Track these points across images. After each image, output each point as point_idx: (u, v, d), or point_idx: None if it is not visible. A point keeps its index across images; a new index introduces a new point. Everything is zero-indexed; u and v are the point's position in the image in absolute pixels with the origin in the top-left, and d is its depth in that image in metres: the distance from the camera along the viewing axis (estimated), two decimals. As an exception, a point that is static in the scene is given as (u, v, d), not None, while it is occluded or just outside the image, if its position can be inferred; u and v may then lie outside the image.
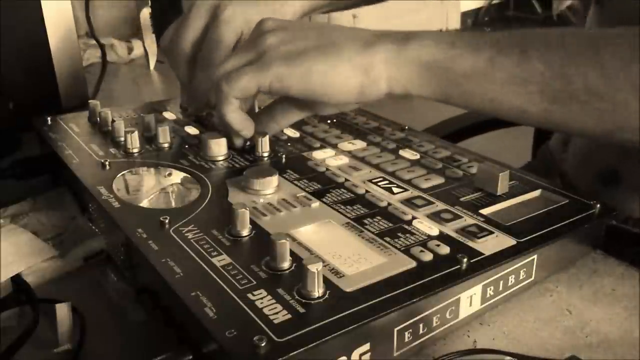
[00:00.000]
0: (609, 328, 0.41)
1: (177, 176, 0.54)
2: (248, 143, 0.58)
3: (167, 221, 0.44)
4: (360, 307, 0.35)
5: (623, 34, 0.43)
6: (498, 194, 0.50)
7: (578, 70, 0.42)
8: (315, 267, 0.35)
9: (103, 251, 0.49)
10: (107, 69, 0.96)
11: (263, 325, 0.33)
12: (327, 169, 0.54)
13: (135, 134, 0.58)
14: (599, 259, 0.49)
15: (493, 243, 0.43)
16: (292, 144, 0.61)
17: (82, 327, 0.41)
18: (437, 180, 0.52)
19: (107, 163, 0.54)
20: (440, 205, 0.48)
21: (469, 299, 0.40)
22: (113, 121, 0.62)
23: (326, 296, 0.36)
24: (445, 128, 0.96)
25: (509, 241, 0.43)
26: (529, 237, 0.43)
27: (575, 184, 0.72)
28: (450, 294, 0.39)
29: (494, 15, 4.83)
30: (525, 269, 0.43)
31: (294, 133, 0.64)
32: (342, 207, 0.47)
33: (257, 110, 0.66)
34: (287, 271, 0.38)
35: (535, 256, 0.44)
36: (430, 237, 0.43)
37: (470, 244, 0.42)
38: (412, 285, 0.37)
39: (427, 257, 0.40)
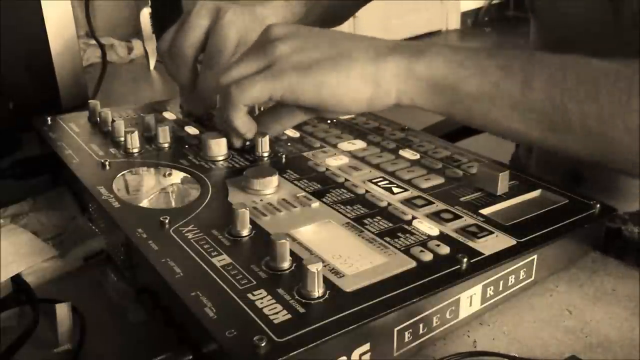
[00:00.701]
0: (609, 328, 0.41)
1: (177, 176, 0.54)
2: (248, 143, 0.58)
3: (167, 221, 0.44)
4: (360, 307, 0.35)
5: (622, 72, 0.44)
6: (498, 194, 0.50)
7: (576, 107, 0.44)
8: (315, 267, 0.35)
9: (103, 251, 0.49)
10: (107, 69, 0.96)
11: (263, 325, 0.33)
12: (327, 169, 0.54)
13: (135, 134, 0.58)
14: (599, 259, 0.49)
15: (493, 243, 0.43)
16: (292, 144, 0.61)
17: (82, 327, 0.41)
18: (437, 180, 0.52)
19: (107, 163, 0.54)
20: (440, 205, 0.48)
21: (469, 299, 0.40)
22: (113, 121, 0.62)
23: (326, 296, 0.36)
24: (445, 128, 0.96)
25: (509, 241, 0.43)
26: (529, 237, 0.43)
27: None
28: (450, 294, 0.39)
29: (494, 15, 4.83)
30: (525, 269, 0.43)
31: (294, 133, 0.64)
32: (342, 207, 0.47)
33: (257, 111, 0.66)
34: (287, 271, 0.38)
35: (535, 256, 0.44)
36: (430, 237, 0.43)
37: (470, 244, 0.42)
38: (412, 285, 0.37)
39: (427, 257, 0.40)
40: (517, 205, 0.49)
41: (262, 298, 0.35)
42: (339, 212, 0.47)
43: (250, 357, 0.31)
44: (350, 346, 0.34)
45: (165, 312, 0.39)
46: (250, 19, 0.67)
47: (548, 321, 0.42)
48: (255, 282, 0.37)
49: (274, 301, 0.35)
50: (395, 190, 0.50)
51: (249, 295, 0.36)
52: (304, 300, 0.35)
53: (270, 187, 0.50)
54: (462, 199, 0.49)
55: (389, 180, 0.52)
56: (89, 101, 0.68)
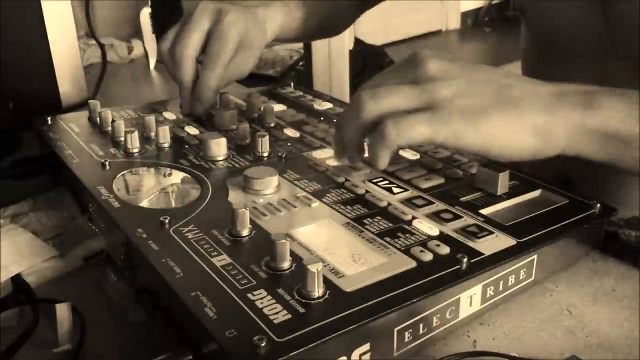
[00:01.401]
0: (609, 328, 0.41)
1: (177, 176, 0.54)
2: None
3: (167, 221, 0.44)
4: (360, 307, 0.35)
5: None
6: (498, 194, 0.50)
7: None
8: (315, 267, 0.35)
9: (103, 251, 0.49)
10: (107, 69, 0.96)
11: (263, 325, 0.33)
12: (327, 169, 0.54)
13: (135, 134, 0.58)
14: (599, 259, 0.49)
15: (493, 243, 0.43)
16: (292, 144, 0.61)
17: (82, 327, 0.41)
18: (437, 180, 0.52)
19: (107, 163, 0.54)
20: (440, 205, 0.48)
21: (469, 299, 0.40)
22: (113, 121, 0.62)
23: (326, 296, 0.36)
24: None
25: (509, 241, 0.43)
26: (529, 237, 0.43)
27: None
28: (450, 294, 0.39)
29: (494, 15, 4.83)
30: (525, 269, 0.43)
31: (294, 133, 0.64)
32: (342, 207, 0.47)
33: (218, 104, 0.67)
34: (287, 271, 0.38)
35: (535, 256, 0.44)
36: (430, 237, 0.43)
37: (470, 244, 0.42)
38: (412, 285, 0.37)
39: (427, 257, 0.40)
40: (517, 205, 0.49)
41: (262, 298, 0.35)
42: (339, 212, 0.47)
43: (250, 357, 0.31)
44: (350, 346, 0.34)
45: (165, 312, 0.39)
46: (251, 21, 0.67)
47: (548, 321, 0.42)
48: (255, 282, 0.37)
49: (274, 301, 0.35)
50: (395, 190, 0.50)
51: (249, 295, 0.36)
52: (304, 300, 0.35)
53: (270, 187, 0.50)
54: (462, 199, 0.49)
55: (389, 180, 0.52)
56: (89, 101, 0.68)
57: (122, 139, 0.59)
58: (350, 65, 1.93)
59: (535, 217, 0.47)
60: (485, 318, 0.42)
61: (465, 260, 0.39)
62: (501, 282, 0.42)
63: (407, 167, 0.55)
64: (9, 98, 0.75)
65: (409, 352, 0.38)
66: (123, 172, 0.53)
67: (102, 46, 0.98)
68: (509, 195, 0.50)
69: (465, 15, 4.81)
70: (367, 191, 0.50)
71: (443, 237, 0.43)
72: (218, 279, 0.37)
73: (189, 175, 0.53)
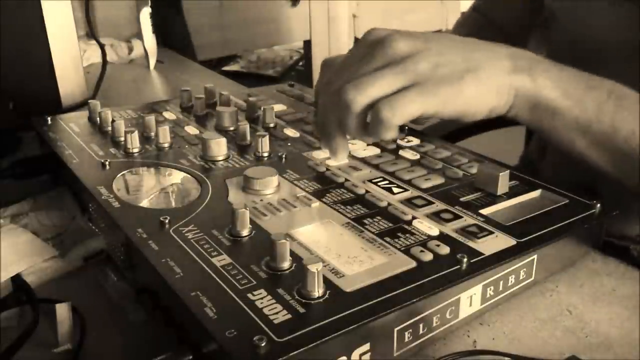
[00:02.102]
0: (609, 328, 0.41)
1: (177, 176, 0.54)
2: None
3: (167, 221, 0.44)
4: (360, 307, 0.35)
5: None
6: (498, 194, 0.50)
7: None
8: (315, 267, 0.35)
9: (103, 251, 0.49)
10: (107, 69, 0.96)
11: (263, 325, 0.33)
12: (327, 169, 0.54)
13: (135, 134, 0.58)
14: (599, 259, 0.49)
15: (493, 243, 0.43)
16: (292, 144, 0.61)
17: (82, 327, 0.41)
18: (437, 180, 0.52)
19: (107, 163, 0.54)
20: (440, 205, 0.48)
21: (469, 299, 0.40)
22: (113, 121, 0.62)
23: (326, 296, 0.36)
24: (445, 128, 0.96)
25: (509, 241, 0.43)
26: (529, 237, 0.43)
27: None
28: (450, 294, 0.39)
29: (494, 15, 4.82)
30: (525, 269, 0.43)
31: (294, 133, 0.64)
32: (342, 207, 0.47)
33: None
34: (287, 271, 0.38)
35: (535, 256, 0.44)
36: (430, 237, 0.43)
37: (470, 244, 0.42)
38: (412, 285, 0.37)
39: (427, 257, 0.40)
40: (517, 205, 0.49)
41: (262, 298, 0.35)
42: (339, 212, 0.47)
43: (250, 357, 0.31)
44: (350, 346, 0.34)
45: (165, 312, 0.39)
46: None
47: (548, 321, 0.42)
48: (255, 282, 0.37)
49: (274, 301, 0.35)
50: (395, 190, 0.50)
51: (249, 295, 0.36)
52: (304, 300, 0.35)
53: (270, 187, 0.50)
54: (462, 199, 0.49)
55: (389, 180, 0.52)
56: (89, 101, 0.68)
57: (122, 139, 0.59)
58: (350, 65, 1.92)
59: (535, 217, 0.47)
60: (485, 318, 0.42)
61: (465, 260, 0.39)
62: (501, 282, 0.42)
63: (407, 167, 0.55)
64: (9, 98, 0.75)
65: (409, 352, 0.38)
66: (123, 172, 0.53)
67: (102, 46, 0.98)
68: (509, 195, 0.50)
69: (465, 15, 4.80)
70: (367, 191, 0.50)
71: (443, 237, 0.43)
72: (218, 279, 0.37)
73: (189, 175, 0.53)
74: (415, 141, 0.61)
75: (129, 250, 0.44)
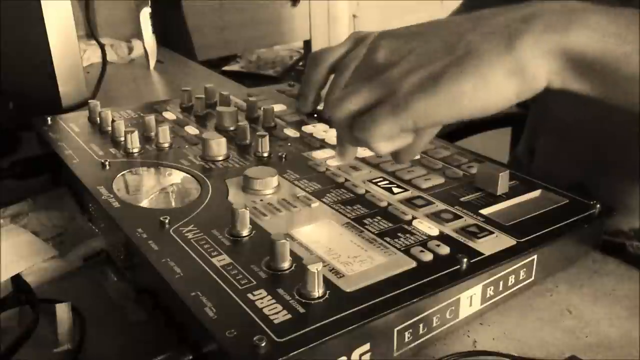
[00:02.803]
0: (609, 328, 0.41)
1: (177, 176, 0.54)
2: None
3: (167, 221, 0.44)
4: (360, 307, 0.35)
5: None
6: (498, 194, 0.50)
7: None
8: (315, 267, 0.35)
9: (103, 251, 0.49)
10: (107, 69, 0.96)
11: (263, 325, 0.33)
12: (327, 169, 0.54)
13: (135, 134, 0.58)
14: (599, 259, 0.49)
15: (493, 243, 0.43)
16: (292, 144, 0.61)
17: (82, 327, 0.41)
18: (437, 180, 0.52)
19: (107, 163, 0.54)
20: (440, 205, 0.48)
21: (469, 299, 0.40)
22: (113, 121, 0.62)
23: (326, 296, 0.36)
24: (445, 128, 0.96)
25: (509, 241, 0.43)
26: (529, 237, 0.43)
27: None
28: (450, 294, 0.39)
29: (494, 15, 4.82)
30: (525, 269, 0.43)
31: (294, 133, 0.64)
32: (342, 207, 0.47)
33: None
34: (287, 271, 0.38)
35: (535, 256, 0.44)
36: (430, 237, 0.43)
37: (470, 244, 0.42)
38: (412, 285, 0.37)
39: (427, 257, 0.40)
40: (517, 205, 0.49)
41: (262, 298, 0.35)
42: (339, 212, 0.47)
43: (250, 357, 0.31)
44: (350, 346, 0.34)
45: (165, 312, 0.39)
46: None
47: (548, 321, 0.42)
48: (255, 282, 0.37)
49: (274, 301, 0.35)
50: (395, 190, 0.50)
51: (249, 295, 0.36)
52: (304, 300, 0.35)
53: (270, 187, 0.50)
54: (462, 199, 0.49)
55: (389, 180, 0.52)
56: (89, 101, 0.68)
57: (122, 139, 0.59)
58: (350, 65, 1.93)
59: (535, 217, 0.47)
60: (485, 318, 0.42)
61: (465, 260, 0.39)
62: (501, 282, 0.42)
63: (407, 167, 0.55)
64: (9, 98, 0.75)
65: (409, 352, 0.38)
66: (123, 172, 0.53)
67: (102, 46, 0.98)
68: (509, 195, 0.50)
69: (465, 15, 4.81)
70: (367, 191, 0.50)
71: (443, 237, 0.43)
72: (218, 279, 0.37)
73: (189, 175, 0.53)
74: (415, 141, 0.61)
75: (129, 250, 0.44)
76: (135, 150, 0.58)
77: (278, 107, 0.71)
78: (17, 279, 0.45)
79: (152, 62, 1.16)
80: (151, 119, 0.62)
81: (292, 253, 0.39)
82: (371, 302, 0.35)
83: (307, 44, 1.85)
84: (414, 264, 0.39)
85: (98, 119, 0.65)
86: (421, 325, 0.38)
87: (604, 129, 0.65)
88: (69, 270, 0.48)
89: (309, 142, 0.61)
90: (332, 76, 0.65)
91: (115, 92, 1.00)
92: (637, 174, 0.63)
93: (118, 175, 0.52)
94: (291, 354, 0.31)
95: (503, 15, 0.40)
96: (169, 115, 0.69)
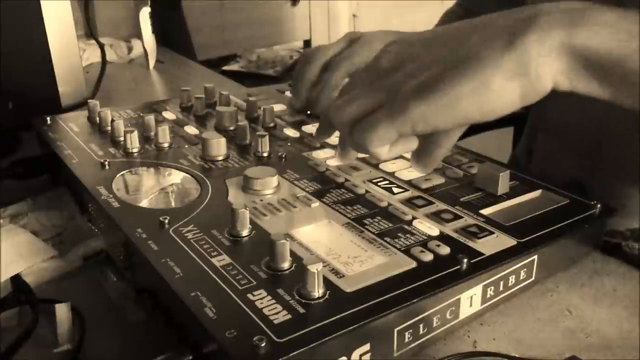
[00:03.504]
0: (609, 328, 0.41)
1: (177, 176, 0.54)
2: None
3: (167, 221, 0.44)
4: (360, 307, 0.35)
5: None
6: (498, 194, 0.50)
7: None
8: (315, 267, 0.35)
9: (103, 251, 0.49)
10: (106, 68, 0.96)
11: (263, 326, 0.33)
12: (327, 169, 0.54)
13: (135, 134, 0.58)
14: (599, 259, 0.49)
15: (493, 243, 0.42)
16: (292, 144, 0.61)
17: (82, 327, 0.41)
18: (437, 180, 0.52)
19: (106, 163, 0.54)
20: (440, 205, 0.48)
21: (469, 299, 0.40)
22: (112, 121, 0.62)
23: (326, 296, 0.36)
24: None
25: (509, 241, 0.43)
26: (529, 238, 0.43)
27: None
28: (451, 294, 0.39)
29: (493, 15, 4.82)
30: (525, 269, 0.43)
31: (294, 133, 0.64)
32: (342, 207, 0.47)
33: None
34: (287, 271, 0.38)
35: (535, 256, 0.44)
36: (430, 237, 0.43)
37: (471, 244, 0.42)
38: (412, 286, 0.37)
39: (428, 257, 0.40)
40: (518, 205, 0.49)
41: (262, 298, 0.35)
42: (339, 212, 0.47)
43: (250, 357, 0.31)
44: (350, 346, 0.34)
45: (165, 312, 0.39)
46: None
47: (548, 321, 0.42)
48: (255, 282, 0.37)
49: (274, 301, 0.35)
50: (396, 190, 0.50)
51: (249, 296, 0.36)
52: (304, 301, 0.35)
53: (270, 187, 0.50)
54: (462, 199, 0.49)
55: (389, 180, 0.52)
56: (89, 101, 0.68)
57: (122, 138, 0.59)
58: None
59: (536, 218, 0.46)
60: (486, 318, 0.42)
61: (465, 260, 0.39)
62: (501, 283, 0.42)
63: (407, 167, 0.54)
64: (8, 98, 0.75)
65: (409, 352, 0.38)
66: (122, 172, 0.53)
67: (101, 46, 0.98)
68: (509, 196, 0.50)
69: (465, 15, 4.81)
70: (367, 191, 0.50)
71: (443, 237, 0.43)
72: (218, 279, 0.37)
73: (188, 175, 0.53)
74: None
75: (128, 250, 0.44)
76: (135, 150, 0.57)
77: (278, 107, 0.71)
78: (16, 279, 0.45)
79: (152, 62, 1.16)
80: (151, 118, 0.62)
81: (292, 253, 0.39)
82: (371, 302, 0.35)
83: (307, 43, 1.85)
84: (414, 264, 0.39)
85: (97, 118, 0.65)
86: (421, 326, 0.38)
87: (601, 130, 0.66)
88: (68, 270, 0.48)
89: (309, 142, 0.61)
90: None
91: (114, 92, 1.00)
92: (634, 175, 0.63)
93: (117, 175, 0.52)
94: (291, 354, 0.31)
95: (506, 17, 0.39)
96: (168, 115, 0.69)
